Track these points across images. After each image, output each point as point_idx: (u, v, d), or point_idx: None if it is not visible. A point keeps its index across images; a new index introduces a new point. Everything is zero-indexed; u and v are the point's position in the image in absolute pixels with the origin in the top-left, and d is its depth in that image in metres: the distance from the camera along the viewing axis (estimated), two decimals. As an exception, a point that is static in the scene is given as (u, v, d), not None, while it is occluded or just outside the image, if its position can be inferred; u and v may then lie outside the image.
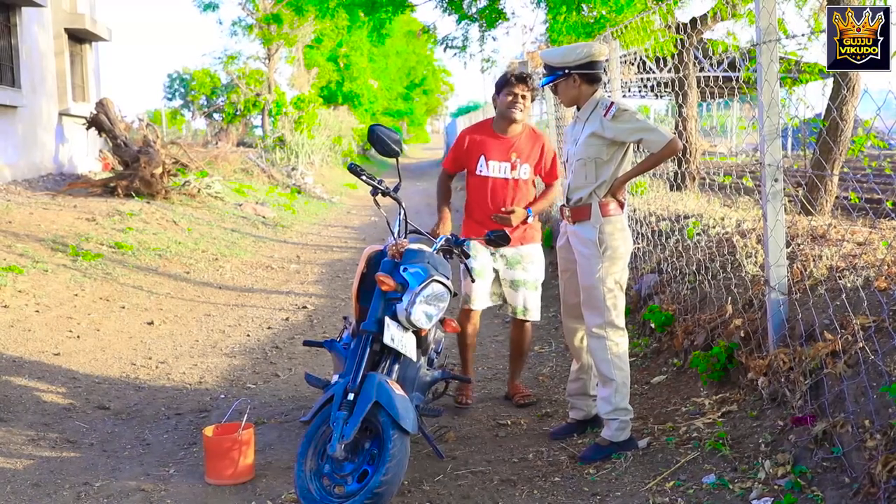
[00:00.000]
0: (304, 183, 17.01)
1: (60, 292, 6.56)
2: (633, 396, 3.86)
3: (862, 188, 9.69)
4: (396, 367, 3.22)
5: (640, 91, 17.04)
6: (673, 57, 7.73)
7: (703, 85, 8.93)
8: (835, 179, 6.41)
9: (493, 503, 3.10)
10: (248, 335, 5.99)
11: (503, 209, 4.08)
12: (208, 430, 3.42)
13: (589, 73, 3.37)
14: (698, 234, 4.99)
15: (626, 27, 6.22)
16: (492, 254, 4.18)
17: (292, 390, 4.66)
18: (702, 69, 15.11)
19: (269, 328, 6.22)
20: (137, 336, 5.85)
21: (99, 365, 5.11)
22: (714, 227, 5.03)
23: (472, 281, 3.93)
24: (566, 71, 3.37)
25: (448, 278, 3.27)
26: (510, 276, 4.20)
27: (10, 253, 7.02)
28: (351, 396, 2.97)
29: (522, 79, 4.06)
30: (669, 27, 7.01)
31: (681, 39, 7.51)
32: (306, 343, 4.01)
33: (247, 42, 66.21)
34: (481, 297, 4.19)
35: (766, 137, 3.27)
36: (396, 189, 3.47)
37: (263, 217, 11.97)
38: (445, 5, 10.89)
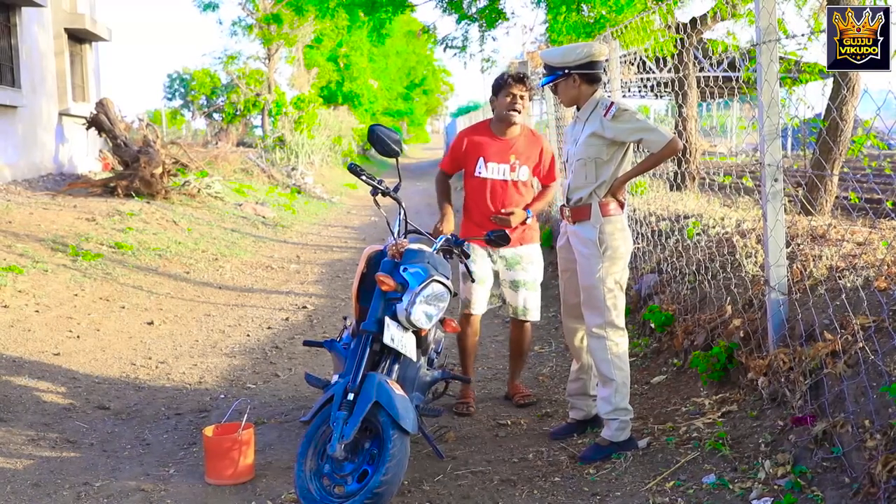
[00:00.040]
0: (304, 183, 17.01)
1: (60, 292, 6.56)
2: (633, 396, 3.86)
3: (862, 188, 9.70)
4: (396, 367, 3.22)
5: (640, 91, 17.07)
6: (673, 57, 7.73)
7: (702, 85, 8.93)
8: (835, 179, 6.41)
9: (493, 503, 3.11)
10: (248, 335, 5.99)
11: (502, 210, 4.08)
12: (208, 430, 3.42)
13: (589, 73, 3.37)
14: (698, 234, 4.99)
15: (626, 27, 6.22)
16: (490, 255, 4.18)
17: (292, 390, 4.66)
18: (702, 69, 15.11)
19: (268, 328, 6.22)
20: (137, 336, 5.85)
21: (99, 365, 5.11)
22: (714, 227, 5.02)
23: (472, 282, 3.92)
24: (566, 71, 3.37)
25: (448, 278, 3.27)
26: (510, 276, 4.20)
27: (10, 253, 7.02)
28: (351, 396, 2.97)
29: (519, 79, 4.06)
30: (669, 27, 7.01)
31: (681, 39, 7.51)
32: (306, 343, 4.01)
33: (247, 42, 66.35)
34: (481, 302, 4.19)
35: (766, 137, 3.27)
36: (396, 189, 3.47)
37: (263, 217, 11.97)
38: (445, 5, 10.89)
